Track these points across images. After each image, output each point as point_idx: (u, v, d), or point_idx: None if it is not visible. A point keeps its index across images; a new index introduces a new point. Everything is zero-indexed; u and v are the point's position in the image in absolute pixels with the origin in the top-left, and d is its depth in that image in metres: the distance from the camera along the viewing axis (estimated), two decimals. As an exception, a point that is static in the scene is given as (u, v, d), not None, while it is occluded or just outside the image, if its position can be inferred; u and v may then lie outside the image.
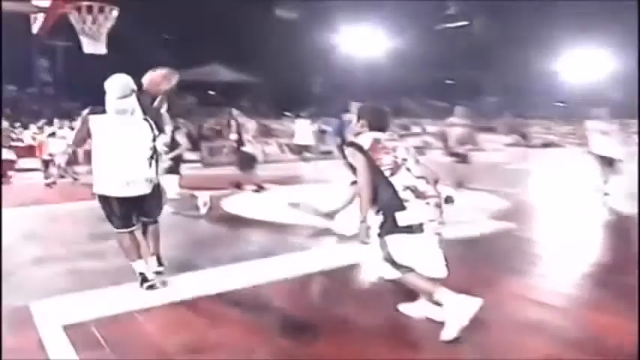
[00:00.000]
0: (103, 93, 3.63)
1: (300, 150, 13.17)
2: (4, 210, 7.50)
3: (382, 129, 3.20)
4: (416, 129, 22.61)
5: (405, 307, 3.23)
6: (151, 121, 3.68)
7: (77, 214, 6.75)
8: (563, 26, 24.79)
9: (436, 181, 3.12)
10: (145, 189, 3.67)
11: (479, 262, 4.42)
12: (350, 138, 3.40)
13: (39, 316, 3.27)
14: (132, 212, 3.73)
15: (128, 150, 3.59)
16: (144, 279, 3.71)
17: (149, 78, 3.98)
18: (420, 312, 3.16)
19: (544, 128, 23.16)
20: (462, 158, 7.62)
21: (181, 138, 6.96)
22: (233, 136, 9.10)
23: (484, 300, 2.86)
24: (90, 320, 3.18)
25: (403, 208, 2.92)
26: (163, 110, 3.99)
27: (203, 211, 6.71)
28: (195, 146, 15.15)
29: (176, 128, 6.87)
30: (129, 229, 3.74)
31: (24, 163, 12.63)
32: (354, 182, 3.65)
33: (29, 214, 7.22)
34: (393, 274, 3.00)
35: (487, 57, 29.15)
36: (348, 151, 3.13)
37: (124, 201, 3.63)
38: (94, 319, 3.20)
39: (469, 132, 7.74)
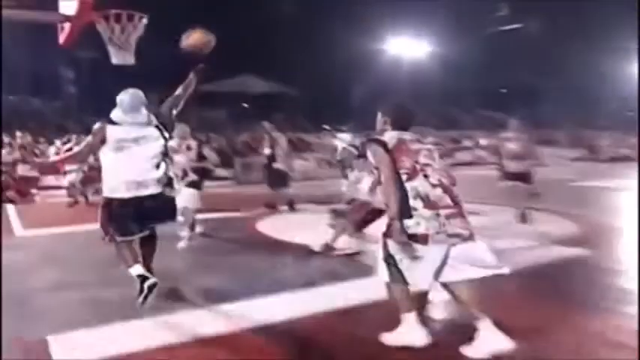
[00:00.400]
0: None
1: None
2: (24, 232, 7.72)
3: (405, 128, 3.25)
4: (467, 142, 22.22)
5: (464, 348, 3.04)
6: (162, 127, 3.98)
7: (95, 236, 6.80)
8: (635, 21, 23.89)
9: (453, 184, 3.13)
10: (153, 189, 3.87)
11: (548, 295, 4.15)
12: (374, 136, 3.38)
13: (57, 351, 3.24)
14: (133, 218, 3.86)
15: (137, 155, 3.85)
16: (144, 279, 3.74)
17: (185, 34, 4.37)
18: (480, 352, 2.97)
19: (615, 140, 22.26)
20: (524, 178, 7.23)
21: (209, 153, 6.95)
22: (267, 151, 9.08)
23: (557, 340, 2.66)
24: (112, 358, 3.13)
25: (410, 216, 2.97)
26: (175, 111, 4.24)
27: (183, 242, 6.22)
28: (228, 162, 15.29)
29: (202, 142, 6.86)
30: (127, 238, 3.89)
31: (48, 180, 12.98)
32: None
33: (48, 236, 7.35)
34: (385, 276, 3.11)
35: (546, 61, 28.48)
36: (372, 148, 3.14)
37: (128, 204, 3.81)
38: (116, 356, 3.14)
39: (527, 145, 7.42)
